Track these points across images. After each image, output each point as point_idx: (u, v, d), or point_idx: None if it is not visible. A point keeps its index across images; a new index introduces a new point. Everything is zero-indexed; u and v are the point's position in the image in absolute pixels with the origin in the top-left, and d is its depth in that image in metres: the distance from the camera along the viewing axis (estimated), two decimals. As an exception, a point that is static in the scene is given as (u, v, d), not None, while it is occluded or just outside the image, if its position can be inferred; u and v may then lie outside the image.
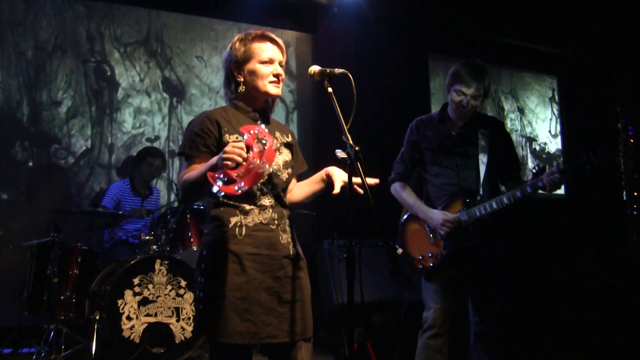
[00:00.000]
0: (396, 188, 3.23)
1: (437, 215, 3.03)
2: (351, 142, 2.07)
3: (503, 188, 3.22)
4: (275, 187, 2.26)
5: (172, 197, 5.43)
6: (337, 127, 2.32)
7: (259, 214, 2.20)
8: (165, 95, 5.74)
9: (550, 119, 7.68)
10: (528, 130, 7.47)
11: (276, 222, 2.23)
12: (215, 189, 1.99)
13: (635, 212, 7.03)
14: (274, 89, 2.27)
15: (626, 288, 5.15)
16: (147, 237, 4.30)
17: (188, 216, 4.45)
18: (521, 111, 7.48)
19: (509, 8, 6.24)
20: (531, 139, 7.45)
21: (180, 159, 5.12)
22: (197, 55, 5.91)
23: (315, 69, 2.24)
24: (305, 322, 2.23)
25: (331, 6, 5.96)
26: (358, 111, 2.15)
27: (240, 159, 1.92)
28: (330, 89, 2.19)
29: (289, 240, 2.26)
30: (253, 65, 2.26)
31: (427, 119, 3.25)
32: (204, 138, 2.19)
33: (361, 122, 2.27)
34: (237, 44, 2.29)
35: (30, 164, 5.19)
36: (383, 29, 5.88)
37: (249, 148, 2.01)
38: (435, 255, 3.06)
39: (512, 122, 7.36)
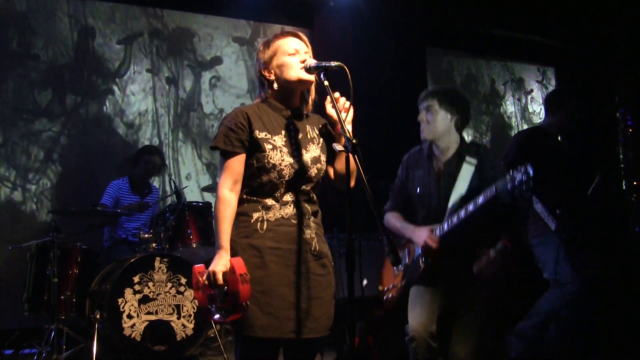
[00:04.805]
0: (387, 218, 3.14)
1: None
2: (349, 135, 2.06)
3: None
4: (300, 183, 2.25)
5: (169, 191, 5.41)
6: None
7: (280, 209, 2.21)
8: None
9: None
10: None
11: (298, 217, 2.22)
12: (215, 316, 2.17)
13: (635, 203, 7.02)
14: (305, 74, 2.22)
15: (628, 281, 5.11)
16: (147, 235, 4.29)
17: (187, 213, 4.43)
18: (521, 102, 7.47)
19: (506, 0, 6.22)
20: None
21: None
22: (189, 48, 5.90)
23: (311, 62, 2.23)
24: (324, 321, 2.24)
25: (327, 0, 5.94)
26: (355, 104, 2.14)
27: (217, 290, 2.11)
28: (326, 82, 2.18)
29: (313, 236, 2.25)
30: (280, 59, 2.25)
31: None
32: (237, 133, 2.19)
33: (358, 115, 2.26)
34: (262, 47, 2.31)
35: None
36: (379, 22, 5.86)
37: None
38: (396, 286, 3.05)
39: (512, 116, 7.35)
